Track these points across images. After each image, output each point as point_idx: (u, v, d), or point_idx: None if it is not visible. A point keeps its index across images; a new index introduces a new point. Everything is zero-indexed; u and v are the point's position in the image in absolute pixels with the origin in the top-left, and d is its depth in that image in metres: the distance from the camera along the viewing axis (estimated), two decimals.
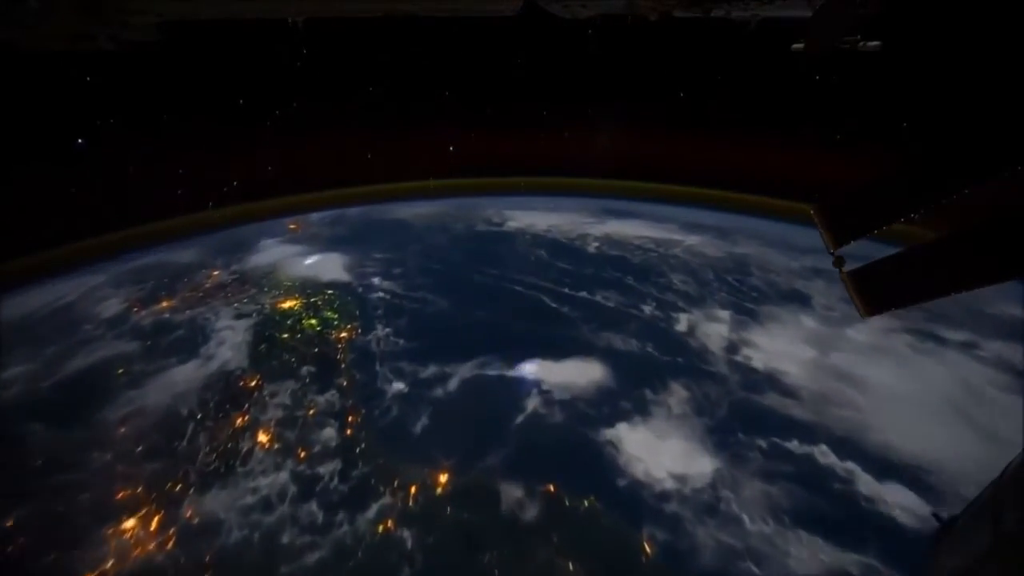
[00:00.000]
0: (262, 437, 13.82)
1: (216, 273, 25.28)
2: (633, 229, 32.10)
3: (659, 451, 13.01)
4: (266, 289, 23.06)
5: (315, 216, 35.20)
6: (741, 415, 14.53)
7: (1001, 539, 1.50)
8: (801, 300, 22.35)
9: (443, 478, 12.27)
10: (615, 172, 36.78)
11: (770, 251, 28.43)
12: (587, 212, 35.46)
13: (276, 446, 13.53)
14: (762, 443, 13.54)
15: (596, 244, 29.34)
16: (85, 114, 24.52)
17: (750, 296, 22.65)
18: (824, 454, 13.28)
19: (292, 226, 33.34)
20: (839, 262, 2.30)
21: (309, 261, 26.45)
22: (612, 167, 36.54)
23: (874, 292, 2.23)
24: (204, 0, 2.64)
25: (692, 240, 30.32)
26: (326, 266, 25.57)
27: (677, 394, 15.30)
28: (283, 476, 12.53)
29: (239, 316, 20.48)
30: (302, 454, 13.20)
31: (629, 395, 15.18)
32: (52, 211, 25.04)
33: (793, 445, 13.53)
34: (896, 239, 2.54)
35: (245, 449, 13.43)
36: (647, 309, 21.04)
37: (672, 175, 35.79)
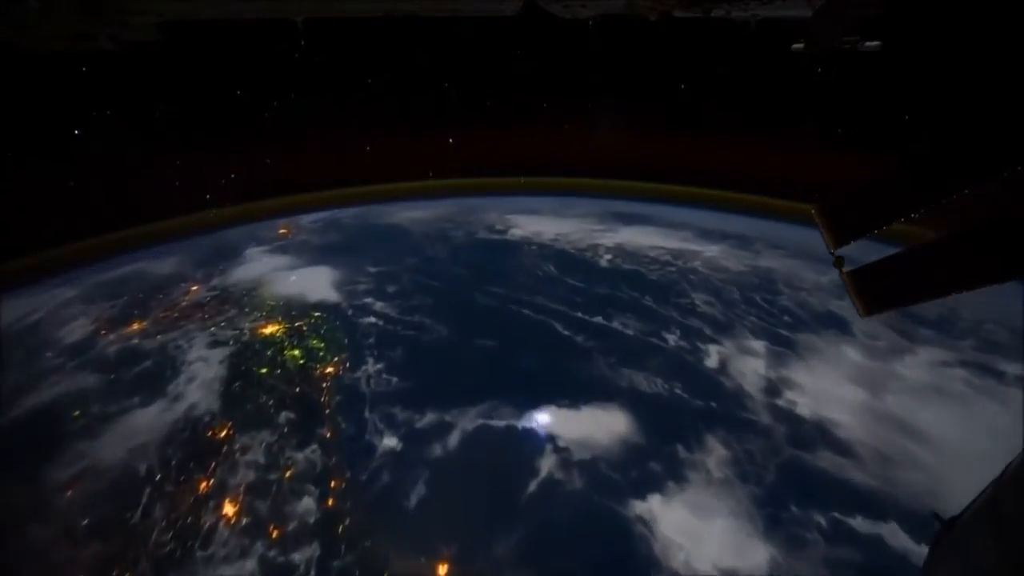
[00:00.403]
0: (228, 508, 11.72)
1: (195, 288, 23.15)
2: (646, 237, 29.91)
3: (701, 533, 10.89)
4: (247, 310, 20.87)
5: (308, 218, 33.09)
6: (792, 480, 12.41)
7: (1001, 539, 1.48)
8: (839, 325, 20.15)
9: (442, 571, 10.19)
10: (619, 172, 35.17)
11: (796, 263, 26.24)
12: (594, 217, 33.25)
13: (244, 520, 11.43)
14: (821, 520, 11.43)
15: (608, 256, 27.07)
16: (80, 113, 23.57)
17: (783, 321, 20.45)
18: (894, 534, 11.18)
19: (283, 230, 31.29)
20: (839, 262, 2.30)
21: (296, 276, 24.22)
22: (615, 166, 34.87)
23: (874, 292, 2.23)
24: (204, 0, 2.56)
25: (711, 251, 28.13)
26: (314, 282, 23.34)
27: (716, 452, 13.15)
28: (250, 564, 10.44)
29: (214, 344, 18.33)
30: (274, 533, 11.10)
31: (660, 453, 13.04)
32: (45, 212, 23.79)
33: (857, 522, 11.41)
34: (897, 239, 2.47)
35: (208, 525, 11.34)
36: (671, 338, 18.82)
37: (678, 175, 34.41)
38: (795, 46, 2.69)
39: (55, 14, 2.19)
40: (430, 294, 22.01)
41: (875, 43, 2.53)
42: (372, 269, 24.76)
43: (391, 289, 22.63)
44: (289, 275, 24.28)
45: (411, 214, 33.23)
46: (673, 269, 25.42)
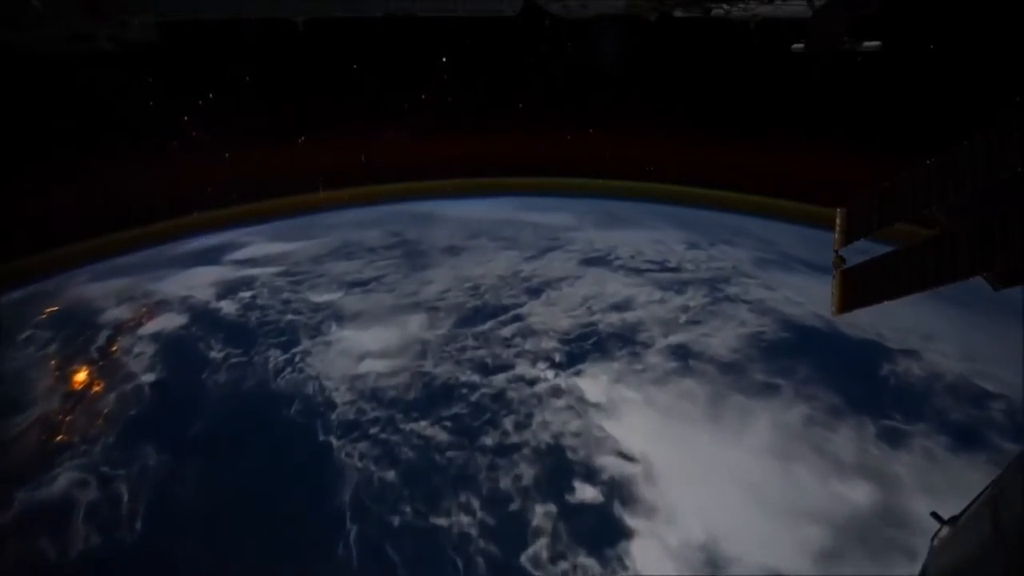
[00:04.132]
0: None
1: None
2: None
3: None
4: None
5: (178, 300, 17.73)
6: None
7: (1000, 538, 1.48)
8: None
9: None
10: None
11: None
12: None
13: None
14: None
15: None
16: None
17: None
18: None
19: (112, 349, 15.22)
20: (840, 262, 2.31)
21: None
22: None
23: (852, 292, 2.26)
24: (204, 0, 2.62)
25: None
26: None
27: None
28: None
29: None
30: None
31: None
32: None
33: None
34: (896, 239, 2.40)
35: None
36: None
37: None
38: (795, 46, 2.74)
39: (55, 14, 2.23)
40: None
41: (875, 43, 2.58)
42: None
43: None
44: None
45: (366, 343, 14.86)
46: None
